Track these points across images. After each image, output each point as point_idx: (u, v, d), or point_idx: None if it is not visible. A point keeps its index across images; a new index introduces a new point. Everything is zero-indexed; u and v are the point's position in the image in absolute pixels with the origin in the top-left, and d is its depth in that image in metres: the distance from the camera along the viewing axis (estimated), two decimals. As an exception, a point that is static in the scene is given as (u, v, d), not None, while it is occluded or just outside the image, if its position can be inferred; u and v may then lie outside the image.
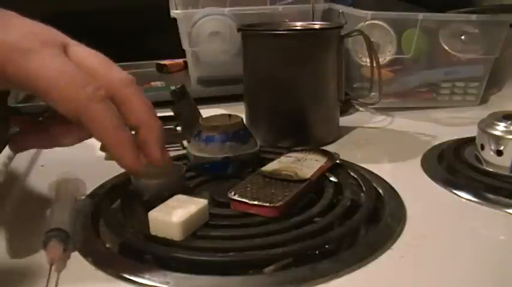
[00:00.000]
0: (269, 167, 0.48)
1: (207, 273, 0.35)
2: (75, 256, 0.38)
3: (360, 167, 0.53)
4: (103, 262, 0.37)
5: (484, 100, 0.81)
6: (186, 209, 0.38)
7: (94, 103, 0.35)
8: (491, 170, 0.50)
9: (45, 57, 0.34)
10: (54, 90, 0.34)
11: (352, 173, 0.50)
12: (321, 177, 0.47)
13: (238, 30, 0.65)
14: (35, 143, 0.42)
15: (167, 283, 0.34)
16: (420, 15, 0.74)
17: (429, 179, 0.51)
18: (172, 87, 0.64)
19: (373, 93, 0.68)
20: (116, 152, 0.37)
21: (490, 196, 0.46)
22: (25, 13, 0.38)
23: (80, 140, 0.41)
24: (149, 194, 0.44)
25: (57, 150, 0.47)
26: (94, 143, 0.58)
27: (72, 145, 0.41)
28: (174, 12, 0.84)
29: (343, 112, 0.74)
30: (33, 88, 0.34)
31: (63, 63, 0.35)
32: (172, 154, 0.59)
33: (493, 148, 0.50)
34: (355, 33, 0.64)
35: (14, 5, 0.38)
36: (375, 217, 0.43)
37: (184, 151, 0.57)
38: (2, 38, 0.34)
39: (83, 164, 0.50)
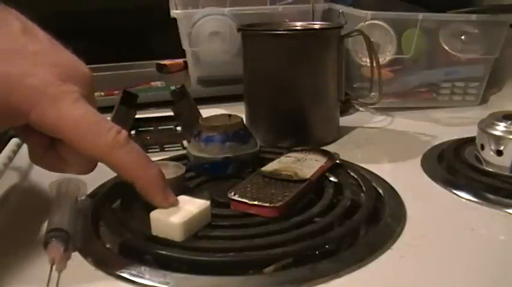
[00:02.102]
0: (269, 167, 0.48)
1: (207, 273, 0.35)
2: (76, 256, 0.38)
3: (360, 167, 0.53)
4: (103, 262, 0.37)
5: (484, 100, 0.81)
6: (187, 210, 0.38)
7: (116, 149, 0.36)
8: (491, 170, 0.50)
9: (66, 105, 0.35)
10: (75, 140, 0.36)
11: (352, 173, 0.50)
12: (321, 177, 0.47)
13: (238, 30, 0.65)
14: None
15: (167, 283, 0.34)
16: (420, 15, 0.74)
17: (429, 179, 0.51)
18: (172, 87, 0.64)
19: (373, 93, 0.68)
20: (144, 194, 0.38)
21: (490, 196, 0.46)
22: (25, 12, 0.38)
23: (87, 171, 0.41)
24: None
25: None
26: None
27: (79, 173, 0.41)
28: (174, 12, 0.84)
29: (343, 112, 0.74)
30: (56, 135, 0.36)
31: (82, 110, 0.36)
32: (172, 154, 0.59)
33: (493, 148, 0.50)
34: (355, 33, 0.64)
35: (14, 4, 0.38)
36: (375, 217, 0.43)
37: (184, 151, 0.57)
38: (33, 84, 0.34)
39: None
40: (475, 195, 0.47)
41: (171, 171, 0.46)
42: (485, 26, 0.76)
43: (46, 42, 0.37)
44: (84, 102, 0.36)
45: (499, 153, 0.49)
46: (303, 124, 0.63)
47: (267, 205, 0.40)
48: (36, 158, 0.40)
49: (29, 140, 0.40)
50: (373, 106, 0.77)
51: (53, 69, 0.36)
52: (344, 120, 0.71)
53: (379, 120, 0.75)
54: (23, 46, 0.36)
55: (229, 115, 0.54)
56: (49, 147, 0.39)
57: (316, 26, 0.68)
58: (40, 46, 0.37)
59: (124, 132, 0.37)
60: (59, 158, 0.39)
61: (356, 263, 0.36)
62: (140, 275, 0.35)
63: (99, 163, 0.39)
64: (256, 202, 0.41)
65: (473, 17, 0.75)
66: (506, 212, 0.44)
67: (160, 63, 1.11)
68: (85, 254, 0.38)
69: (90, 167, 0.39)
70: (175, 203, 0.39)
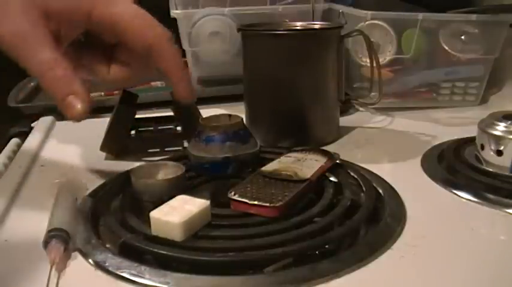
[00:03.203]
0: (269, 167, 0.48)
1: (207, 273, 0.35)
2: (75, 256, 0.38)
3: (360, 167, 0.53)
4: (103, 262, 0.37)
5: (484, 100, 0.81)
6: (187, 209, 0.38)
7: (165, 40, 0.42)
8: (491, 170, 0.50)
9: (122, 3, 0.42)
10: (130, 30, 0.41)
11: (352, 173, 0.50)
12: (321, 177, 0.47)
13: (238, 30, 0.65)
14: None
15: (167, 283, 0.34)
16: (420, 15, 0.74)
17: (429, 179, 0.51)
18: (173, 87, 0.64)
19: (373, 93, 0.68)
20: (176, 84, 0.44)
21: (490, 196, 0.46)
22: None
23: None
24: (149, 194, 0.44)
25: (58, 150, 0.48)
26: (94, 143, 0.58)
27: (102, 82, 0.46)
28: (174, 12, 0.84)
29: (343, 112, 0.74)
30: (114, 28, 0.42)
31: (136, 8, 0.42)
32: (172, 154, 0.59)
33: (493, 148, 0.50)
34: (355, 33, 0.64)
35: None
36: (375, 217, 0.43)
37: (184, 151, 0.57)
38: None
39: (83, 164, 0.50)
40: (475, 195, 0.47)
41: (171, 171, 0.46)
42: (485, 26, 0.76)
43: None
44: (135, 4, 0.42)
45: (499, 153, 0.49)
46: (303, 124, 0.63)
47: (267, 204, 0.40)
48: (103, 76, 0.46)
49: (91, 62, 0.45)
50: (373, 106, 0.77)
51: None
52: (344, 120, 0.71)
53: (379, 120, 0.75)
54: None
55: (229, 115, 0.54)
56: (109, 62, 0.45)
57: (316, 26, 0.68)
58: None
59: (170, 32, 0.43)
60: (122, 67, 0.45)
61: (356, 263, 0.36)
62: (140, 275, 0.35)
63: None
64: (256, 202, 0.41)
65: (473, 17, 0.75)
66: (506, 212, 0.44)
67: (160, 63, 1.11)
68: (85, 254, 0.38)
69: (151, 67, 0.46)
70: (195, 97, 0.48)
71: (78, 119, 0.39)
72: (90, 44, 0.45)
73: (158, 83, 0.96)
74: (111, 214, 0.43)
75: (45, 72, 0.38)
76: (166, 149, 0.63)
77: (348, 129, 0.69)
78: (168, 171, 0.46)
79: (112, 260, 0.37)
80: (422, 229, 0.41)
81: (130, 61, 0.46)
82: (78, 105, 0.39)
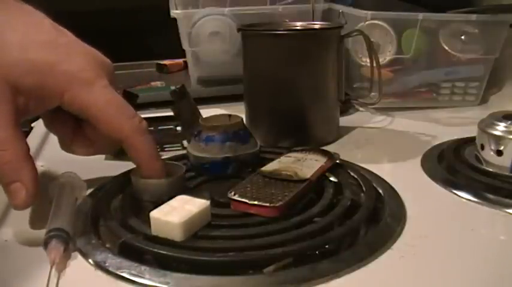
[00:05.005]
0: (269, 167, 0.48)
1: (207, 273, 0.35)
2: (75, 256, 0.38)
3: (360, 167, 0.53)
4: (103, 262, 0.37)
5: (484, 100, 0.81)
6: (187, 209, 0.38)
7: (137, 135, 0.41)
8: (491, 170, 0.50)
9: (97, 89, 0.40)
10: (103, 120, 0.40)
11: (352, 173, 0.50)
12: (321, 177, 0.47)
13: (238, 30, 0.65)
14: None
15: (167, 283, 0.34)
16: (420, 15, 0.74)
17: (429, 179, 0.51)
18: (172, 87, 0.64)
19: (373, 93, 0.68)
20: (148, 177, 0.43)
21: (490, 196, 0.46)
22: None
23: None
24: (149, 194, 0.44)
25: (58, 150, 0.48)
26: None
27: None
28: (174, 12, 0.84)
29: (343, 112, 0.74)
30: (85, 115, 0.40)
31: (111, 95, 0.41)
32: (172, 154, 0.59)
33: (493, 148, 0.50)
34: (355, 33, 0.64)
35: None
36: (375, 217, 0.43)
37: (184, 151, 0.57)
38: (67, 69, 0.39)
39: (83, 164, 0.50)
40: (475, 195, 0.47)
41: (171, 171, 0.46)
42: (485, 26, 0.76)
43: (72, 37, 0.42)
44: (112, 88, 0.41)
45: (499, 153, 0.49)
46: (303, 124, 0.63)
47: (267, 204, 0.40)
48: (65, 145, 0.45)
49: (56, 129, 0.45)
50: (373, 106, 0.77)
51: (84, 57, 0.41)
52: (344, 120, 0.71)
53: (379, 120, 0.75)
54: (56, 38, 0.41)
55: (229, 115, 0.54)
56: (74, 133, 0.44)
57: (316, 26, 0.68)
58: (69, 39, 0.42)
59: (145, 122, 0.42)
60: (85, 142, 0.44)
61: (356, 263, 0.36)
62: (140, 275, 0.35)
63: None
64: (256, 202, 0.41)
65: (473, 17, 0.75)
66: (506, 212, 0.44)
67: (160, 63, 1.11)
68: (85, 254, 0.38)
69: (115, 147, 0.45)
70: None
71: (20, 208, 0.38)
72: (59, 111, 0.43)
73: (158, 83, 0.97)
74: (111, 214, 0.43)
75: None
76: (166, 149, 0.63)
77: (348, 129, 0.69)
78: (168, 171, 0.46)
79: (112, 260, 0.37)
80: (422, 229, 0.41)
81: (96, 139, 0.44)
82: (23, 194, 0.37)
